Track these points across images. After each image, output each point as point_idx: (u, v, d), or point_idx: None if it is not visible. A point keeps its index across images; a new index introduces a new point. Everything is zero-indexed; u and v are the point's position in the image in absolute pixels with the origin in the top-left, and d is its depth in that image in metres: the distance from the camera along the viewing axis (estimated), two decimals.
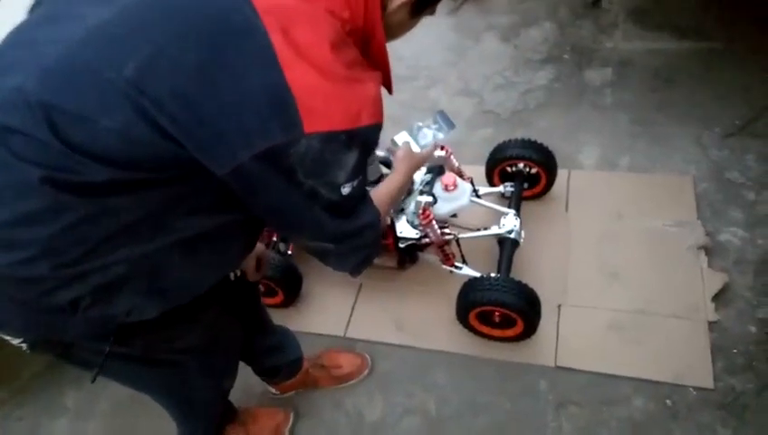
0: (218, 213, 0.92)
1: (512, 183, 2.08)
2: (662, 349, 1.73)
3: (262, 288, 1.99)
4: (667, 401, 1.64)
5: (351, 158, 0.86)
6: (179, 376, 1.22)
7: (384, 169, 1.97)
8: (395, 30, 1.03)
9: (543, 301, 1.78)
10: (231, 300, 1.30)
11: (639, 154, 2.30)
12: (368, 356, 1.91)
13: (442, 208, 1.83)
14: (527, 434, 1.66)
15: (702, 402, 1.62)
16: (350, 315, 2.03)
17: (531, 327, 1.75)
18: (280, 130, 0.77)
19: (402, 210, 1.90)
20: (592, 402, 1.68)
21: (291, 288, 2.02)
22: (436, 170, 1.93)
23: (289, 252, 2.07)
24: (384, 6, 0.96)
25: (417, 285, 2.05)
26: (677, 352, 1.72)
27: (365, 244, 1.02)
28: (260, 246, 1.41)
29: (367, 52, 0.97)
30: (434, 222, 1.78)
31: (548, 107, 2.59)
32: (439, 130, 1.71)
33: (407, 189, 1.46)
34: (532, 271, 1.98)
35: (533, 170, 2.09)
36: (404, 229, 1.86)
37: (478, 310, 1.74)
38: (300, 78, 0.76)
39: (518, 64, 2.84)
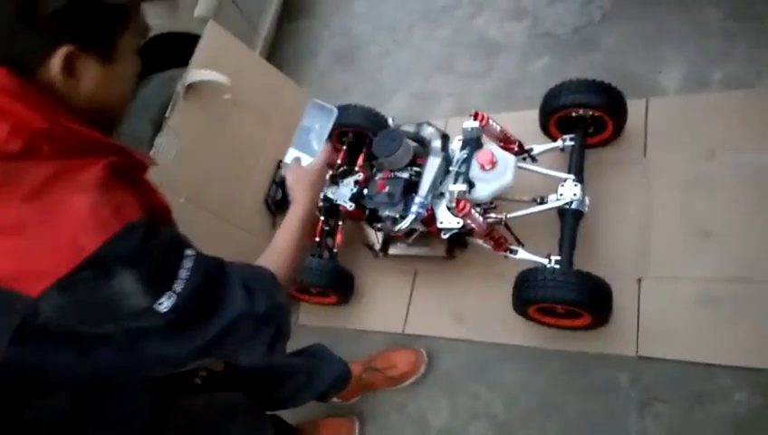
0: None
1: (572, 135, 1.75)
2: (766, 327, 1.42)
3: (314, 290, 1.93)
4: None
5: (125, 279, 0.72)
6: None
7: (413, 144, 1.75)
8: (108, 93, 0.83)
9: (619, 276, 1.53)
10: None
11: (738, 63, 1.81)
12: (423, 351, 1.79)
13: (482, 192, 1.60)
14: None
15: None
16: (407, 310, 1.92)
17: (601, 319, 1.52)
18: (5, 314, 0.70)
19: (442, 194, 1.69)
20: (684, 399, 1.44)
21: (342, 290, 1.93)
22: (473, 145, 1.67)
23: (335, 250, 1.96)
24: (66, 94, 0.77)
25: (474, 267, 1.86)
26: None
27: (252, 335, 0.90)
28: None
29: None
30: (473, 211, 1.55)
31: (616, 17, 2.12)
32: (319, 123, 1.38)
33: (314, 215, 1.24)
34: (604, 239, 1.70)
35: (596, 114, 1.73)
36: (444, 218, 1.66)
37: (537, 306, 1.54)
38: None
39: None
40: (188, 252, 0.84)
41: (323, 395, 1.64)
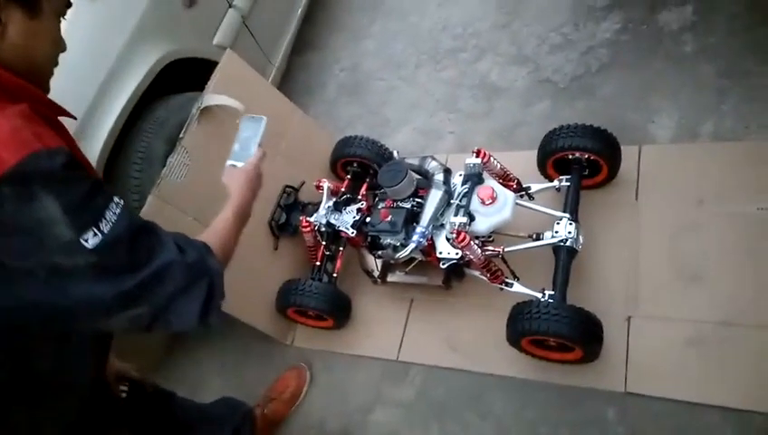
0: None
1: (568, 176, 1.83)
2: (754, 369, 1.47)
3: (311, 313, 1.97)
4: None
5: (48, 203, 0.75)
6: None
7: (416, 177, 1.82)
8: (33, 48, 0.90)
9: (610, 313, 1.58)
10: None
11: (728, 116, 1.91)
12: (302, 363, 2.02)
13: (481, 226, 1.66)
14: None
15: None
16: (402, 337, 1.95)
17: (591, 354, 1.56)
18: None
19: (442, 225, 1.75)
20: None
21: (339, 314, 1.97)
22: (475, 180, 1.75)
23: (335, 275, 2.01)
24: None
25: (469, 299, 1.91)
26: None
27: (183, 285, 0.91)
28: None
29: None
30: (472, 243, 1.61)
31: (613, 67, 2.23)
32: (252, 132, 1.44)
33: (249, 209, 1.28)
34: (596, 277, 1.76)
35: (592, 158, 1.82)
36: (443, 248, 1.72)
37: (530, 338, 1.58)
38: None
39: (578, 16, 2.46)
40: (117, 200, 0.87)
41: None
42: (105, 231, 0.81)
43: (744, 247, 1.64)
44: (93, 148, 1.67)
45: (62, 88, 1.60)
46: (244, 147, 1.43)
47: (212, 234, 1.09)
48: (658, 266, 1.72)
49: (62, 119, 1.00)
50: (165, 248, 0.91)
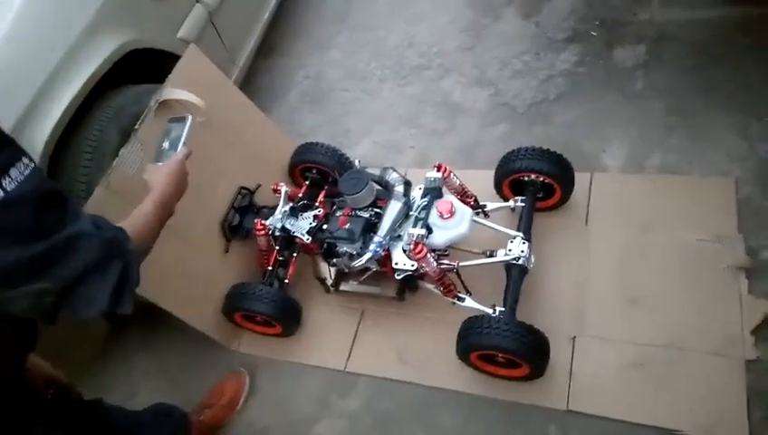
0: None
1: (523, 197, 1.88)
2: (690, 392, 1.54)
3: (259, 319, 1.92)
4: None
5: None
6: None
7: (376, 187, 1.83)
8: None
9: (556, 332, 1.61)
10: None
11: (673, 151, 2.02)
12: (242, 369, 1.97)
13: (438, 239, 1.68)
14: None
15: None
16: (351, 347, 1.93)
17: (538, 371, 1.60)
18: None
19: (399, 236, 1.75)
20: None
21: (288, 321, 1.93)
22: (434, 193, 1.76)
23: (286, 281, 1.97)
24: None
25: (421, 312, 1.91)
26: (708, 397, 1.52)
27: (96, 261, 0.85)
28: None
29: None
30: (429, 256, 1.62)
31: (570, 97, 2.32)
32: (176, 132, 1.46)
33: (171, 205, 1.23)
34: (544, 296, 1.80)
35: (547, 181, 1.87)
36: (399, 259, 1.72)
37: (479, 353, 1.60)
38: None
39: (539, 46, 2.55)
40: (28, 161, 0.83)
41: None
42: (8, 189, 0.77)
43: (685, 275, 1.73)
44: (42, 131, 1.59)
45: (14, 61, 1.54)
46: (171, 146, 1.43)
47: (130, 223, 1.04)
48: (605, 289, 1.78)
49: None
50: (79, 220, 0.87)
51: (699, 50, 2.27)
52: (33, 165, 0.84)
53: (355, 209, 1.82)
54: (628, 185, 1.99)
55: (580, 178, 1.94)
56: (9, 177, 0.78)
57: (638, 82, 2.26)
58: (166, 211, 1.18)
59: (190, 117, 1.47)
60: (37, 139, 1.58)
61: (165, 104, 1.83)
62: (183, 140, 1.41)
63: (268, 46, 3.01)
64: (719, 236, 1.76)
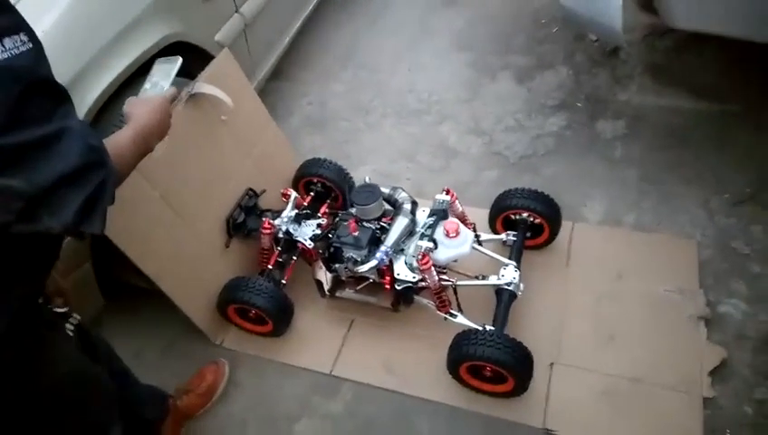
0: None
1: (514, 232, 2.05)
2: (653, 422, 1.69)
3: (252, 314, 1.96)
4: None
5: None
6: None
7: (386, 206, 1.96)
8: None
9: (536, 357, 1.74)
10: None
11: (646, 212, 2.27)
12: (222, 359, 1.99)
13: (442, 255, 1.80)
14: None
15: None
16: (339, 352, 1.99)
17: (521, 386, 1.71)
18: None
19: (402, 250, 1.87)
20: None
21: (281, 319, 1.98)
22: (440, 214, 1.91)
23: (283, 281, 2.04)
24: None
25: (411, 327, 2.01)
26: (669, 428, 1.67)
27: (75, 167, 0.76)
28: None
29: None
30: (433, 268, 1.75)
31: (556, 155, 2.57)
32: (164, 73, 1.44)
33: (150, 139, 1.12)
34: (527, 324, 1.94)
35: (537, 221, 2.06)
36: (401, 271, 1.83)
37: (469, 363, 1.71)
38: None
39: (531, 108, 2.82)
40: (27, 38, 0.75)
41: (145, 421, 1.65)
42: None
43: (652, 319, 1.92)
44: (84, 100, 1.64)
45: (74, 29, 1.61)
46: (154, 85, 1.39)
47: (107, 145, 0.92)
48: (581, 324, 1.94)
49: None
50: (70, 116, 0.79)
51: (669, 133, 2.58)
52: (34, 45, 0.75)
53: (362, 220, 1.93)
54: (606, 236, 2.20)
55: (564, 226, 2.14)
56: (2, 45, 0.70)
57: (617, 150, 2.54)
58: (144, 144, 1.07)
59: (180, 59, 1.42)
60: (85, 101, 1.63)
61: (195, 97, 1.92)
62: (171, 81, 1.37)
63: (276, 72, 3.15)
64: (682, 289, 1.97)
